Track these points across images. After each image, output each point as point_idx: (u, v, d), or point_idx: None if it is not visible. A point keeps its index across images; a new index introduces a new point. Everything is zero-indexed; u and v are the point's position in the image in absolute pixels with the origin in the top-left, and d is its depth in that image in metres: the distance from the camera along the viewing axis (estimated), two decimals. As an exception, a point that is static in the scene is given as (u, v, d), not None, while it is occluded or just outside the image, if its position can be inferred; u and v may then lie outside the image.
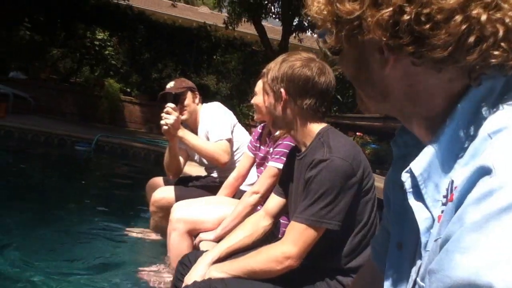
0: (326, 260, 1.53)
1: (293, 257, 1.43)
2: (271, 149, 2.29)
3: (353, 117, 4.54)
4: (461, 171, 0.53)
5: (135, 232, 3.17)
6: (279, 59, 1.62)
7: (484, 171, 0.47)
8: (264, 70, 2.43)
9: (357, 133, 5.18)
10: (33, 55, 10.11)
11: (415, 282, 0.59)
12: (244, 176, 2.50)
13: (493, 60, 0.54)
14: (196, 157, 2.99)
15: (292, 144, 2.11)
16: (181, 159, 2.89)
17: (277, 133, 2.26)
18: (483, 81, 0.56)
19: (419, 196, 0.58)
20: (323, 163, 1.43)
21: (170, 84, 2.90)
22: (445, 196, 0.55)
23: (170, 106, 2.50)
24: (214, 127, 2.73)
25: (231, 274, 1.50)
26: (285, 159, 2.09)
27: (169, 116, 2.48)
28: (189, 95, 2.88)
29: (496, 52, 0.53)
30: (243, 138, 2.92)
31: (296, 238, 1.44)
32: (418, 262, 0.59)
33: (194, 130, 2.86)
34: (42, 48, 10.30)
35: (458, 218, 0.47)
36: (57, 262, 2.52)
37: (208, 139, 2.73)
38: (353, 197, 1.46)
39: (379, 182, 1.64)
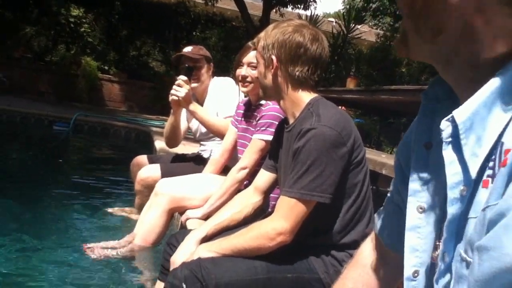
0: (319, 236, 1.48)
1: (285, 233, 1.37)
2: (254, 121, 2.21)
3: (340, 91, 4.49)
4: None
5: (118, 212, 3.08)
6: (270, 26, 1.55)
7: None
8: (249, 43, 2.35)
9: (342, 108, 5.16)
10: (5, 33, 9.73)
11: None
12: (230, 151, 2.42)
13: None
14: (196, 129, 2.93)
15: (276, 114, 2.04)
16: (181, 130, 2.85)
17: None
18: None
19: (457, 148, 0.50)
20: (311, 132, 1.37)
21: (188, 48, 2.83)
22: (492, 159, 0.47)
23: (182, 78, 2.47)
24: (226, 103, 2.68)
25: (221, 253, 1.44)
26: (271, 130, 2.02)
27: (180, 89, 2.45)
28: (204, 64, 2.81)
29: None
30: None
31: (287, 213, 1.38)
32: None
33: (200, 101, 2.81)
34: (14, 26, 9.93)
35: None
36: (29, 244, 2.43)
37: (217, 113, 2.69)
38: (344, 169, 1.40)
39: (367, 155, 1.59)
